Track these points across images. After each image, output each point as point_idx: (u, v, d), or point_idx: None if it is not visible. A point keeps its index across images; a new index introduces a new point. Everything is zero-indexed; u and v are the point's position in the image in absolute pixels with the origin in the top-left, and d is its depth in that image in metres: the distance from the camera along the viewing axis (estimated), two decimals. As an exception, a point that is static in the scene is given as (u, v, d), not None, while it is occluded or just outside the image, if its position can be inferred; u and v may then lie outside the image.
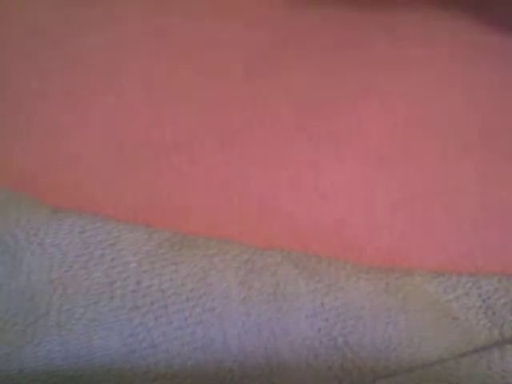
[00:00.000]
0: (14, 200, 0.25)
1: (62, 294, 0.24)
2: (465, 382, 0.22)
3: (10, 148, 0.31)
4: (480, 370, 0.22)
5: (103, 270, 0.24)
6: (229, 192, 0.29)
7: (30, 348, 0.23)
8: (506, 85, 0.32)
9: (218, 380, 0.22)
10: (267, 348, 0.23)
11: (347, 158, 0.29)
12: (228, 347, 0.23)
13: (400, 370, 0.22)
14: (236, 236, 0.27)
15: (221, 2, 0.39)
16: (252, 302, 0.23)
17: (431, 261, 0.26)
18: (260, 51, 0.34)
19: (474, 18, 0.33)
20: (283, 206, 0.28)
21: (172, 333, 0.23)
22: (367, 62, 0.33)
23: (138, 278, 0.24)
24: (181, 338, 0.23)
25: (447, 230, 0.27)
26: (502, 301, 0.24)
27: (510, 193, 0.27)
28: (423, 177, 0.28)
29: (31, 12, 0.37)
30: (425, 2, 0.36)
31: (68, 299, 0.23)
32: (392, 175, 0.29)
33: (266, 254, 0.25)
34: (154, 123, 0.32)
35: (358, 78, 0.33)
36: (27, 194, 0.26)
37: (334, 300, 0.23)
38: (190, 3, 0.39)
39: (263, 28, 0.36)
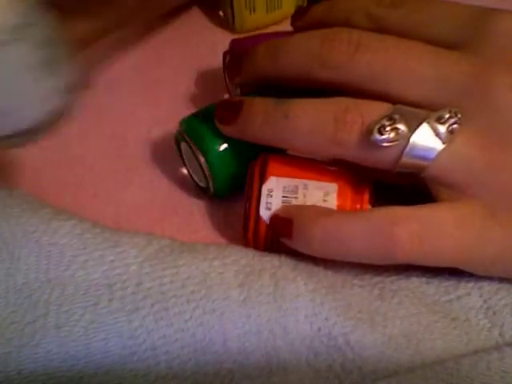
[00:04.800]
0: (15, 199, 0.25)
1: (61, 294, 0.23)
2: (464, 383, 0.22)
3: (11, 148, 0.31)
4: (479, 371, 0.22)
5: (102, 272, 0.24)
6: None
7: (29, 349, 0.22)
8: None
9: (218, 380, 0.22)
10: (267, 348, 0.23)
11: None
12: (228, 348, 0.23)
13: (400, 371, 0.22)
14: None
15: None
16: (252, 303, 0.23)
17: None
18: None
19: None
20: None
21: (172, 335, 0.23)
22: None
23: (138, 280, 0.24)
24: (181, 339, 0.23)
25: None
26: (502, 302, 0.24)
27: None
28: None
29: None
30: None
31: (67, 300, 0.23)
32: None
33: (265, 260, 0.25)
34: (154, 123, 0.32)
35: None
36: (29, 194, 0.26)
37: (332, 301, 0.23)
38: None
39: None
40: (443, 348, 0.23)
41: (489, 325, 0.23)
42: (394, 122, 0.23)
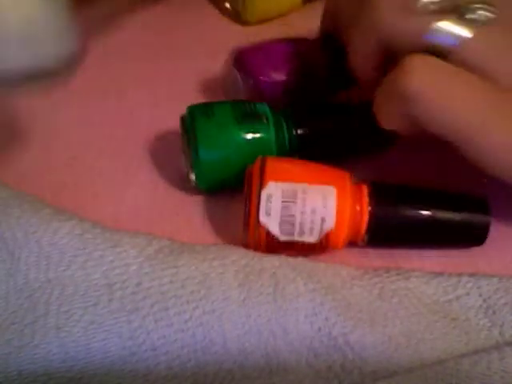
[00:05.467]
0: (16, 199, 0.25)
1: (61, 294, 0.23)
2: (464, 383, 0.22)
3: (11, 148, 0.31)
4: (479, 371, 0.22)
5: (102, 272, 0.24)
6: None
7: (29, 349, 0.22)
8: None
9: (218, 381, 0.22)
10: (267, 348, 0.23)
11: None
12: (228, 348, 0.23)
13: (400, 371, 0.22)
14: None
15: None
16: (252, 303, 0.23)
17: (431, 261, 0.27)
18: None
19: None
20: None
21: (172, 335, 0.23)
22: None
23: (138, 280, 0.24)
24: (181, 340, 0.23)
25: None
26: (502, 301, 0.24)
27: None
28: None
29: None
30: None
31: (66, 300, 0.23)
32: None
33: (265, 260, 0.25)
34: (154, 123, 0.32)
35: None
36: (29, 194, 0.26)
37: (332, 301, 0.23)
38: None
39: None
40: (443, 348, 0.23)
41: (489, 324, 0.23)
42: None
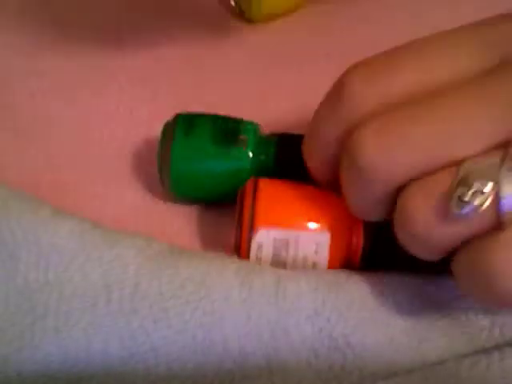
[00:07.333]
0: (15, 199, 0.25)
1: (60, 295, 0.23)
2: (464, 383, 0.22)
3: (10, 147, 0.31)
4: (479, 371, 0.22)
5: (100, 272, 0.24)
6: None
7: (29, 351, 0.22)
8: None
9: (218, 381, 0.22)
10: (268, 349, 0.23)
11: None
12: (228, 349, 0.23)
13: (401, 371, 0.22)
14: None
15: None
16: (253, 304, 0.23)
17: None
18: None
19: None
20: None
21: (172, 336, 0.23)
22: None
23: (136, 281, 0.24)
24: (181, 341, 0.23)
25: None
26: (502, 301, 0.24)
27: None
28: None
29: (28, 12, 0.37)
30: None
31: (65, 301, 0.23)
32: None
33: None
34: (153, 123, 0.32)
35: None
36: (28, 194, 0.26)
37: (335, 299, 0.23)
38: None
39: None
40: (444, 348, 0.23)
41: (489, 324, 0.23)
42: (471, 184, 0.19)
